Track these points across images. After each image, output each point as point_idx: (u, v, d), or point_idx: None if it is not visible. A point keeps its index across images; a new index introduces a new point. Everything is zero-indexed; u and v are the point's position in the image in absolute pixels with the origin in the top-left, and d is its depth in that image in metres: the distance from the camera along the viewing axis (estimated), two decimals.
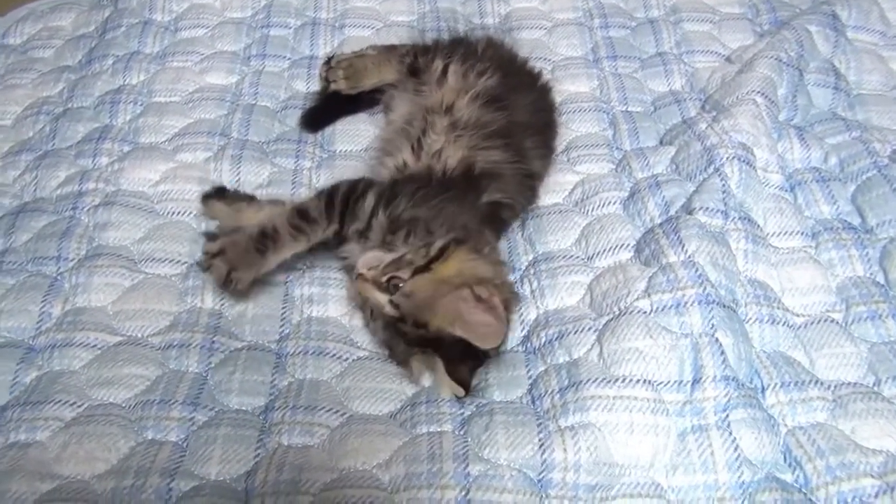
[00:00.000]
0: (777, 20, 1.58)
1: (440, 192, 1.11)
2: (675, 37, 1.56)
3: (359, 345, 1.11)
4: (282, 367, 1.06)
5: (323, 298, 1.15)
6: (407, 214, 1.08)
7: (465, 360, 1.01)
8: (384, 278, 1.02)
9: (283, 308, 1.13)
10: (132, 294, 1.12)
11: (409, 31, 1.56)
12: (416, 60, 1.33)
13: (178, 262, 1.17)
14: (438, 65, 1.29)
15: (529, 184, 1.24)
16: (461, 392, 0.99)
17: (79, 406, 0.99)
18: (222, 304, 1.13)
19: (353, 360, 1.08)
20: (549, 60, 1.52)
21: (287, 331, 1.11)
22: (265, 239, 1.07)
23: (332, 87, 1.38)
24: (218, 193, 1.21)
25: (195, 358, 1.05)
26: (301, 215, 1.09)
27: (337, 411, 1.00)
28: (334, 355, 1.08)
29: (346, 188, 1.12)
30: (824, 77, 1.42)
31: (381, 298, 1.02)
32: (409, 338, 1.01)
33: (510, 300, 1.05)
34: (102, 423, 0.96)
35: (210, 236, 1.16)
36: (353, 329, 1.13)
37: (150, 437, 0.96)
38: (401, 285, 1.01)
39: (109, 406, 0.99)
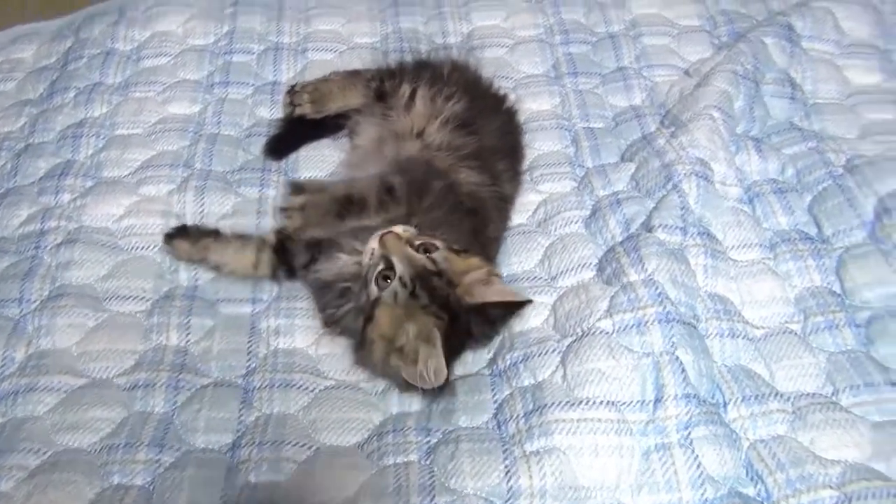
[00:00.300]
0: (734, 32, 1.60)
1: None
2: (634, 51, 1.58)
3: (326, 374, 1.11)
4: (248, 401, 1.06)
5: (289, 329, 1.15)
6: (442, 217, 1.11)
7: (451, 350, 1.01)
8: (418, 241, 1.04)
9: (250, 341, 1.14)
10: (96, 334, 1.12)
11: (372, 52, 1.57)
12: (382, 85, 1.34)
13: (142, 298, 1.17)
14: (406, 90, 1.30)
15: (505, 209, 1.26)
16: (442, 377, 0.97)
17: (44, 453, 0.99)
18: (188, 341, 1.13)
19: (320, 391, 1.08)
20: (512, 79, 1.53)
21: (253, 364, 1.11)
22: (350, 205, 1.10)
23: (298, 111, 1.39)
24: (180, 232, 1.20)
25: (161, 397, 1.05)
26: (389, 191, 1.11)
27: (304, 444, 1.00)
28: (301, 387, 1.08)
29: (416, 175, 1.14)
30: (781, 88, 1.44)
31: (417, 254, 1.02)
32: (438, 295, 1.01)
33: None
34: (67, 471, 0.96)
35: (296, 188, 1.21)
36: (319, 359, 1.13)
37: (115, 483, 0.96)
38: (433, 252, 1.03)
39: (74, 451, 0.99)
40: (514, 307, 1.06)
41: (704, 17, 1.65)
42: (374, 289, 1.03)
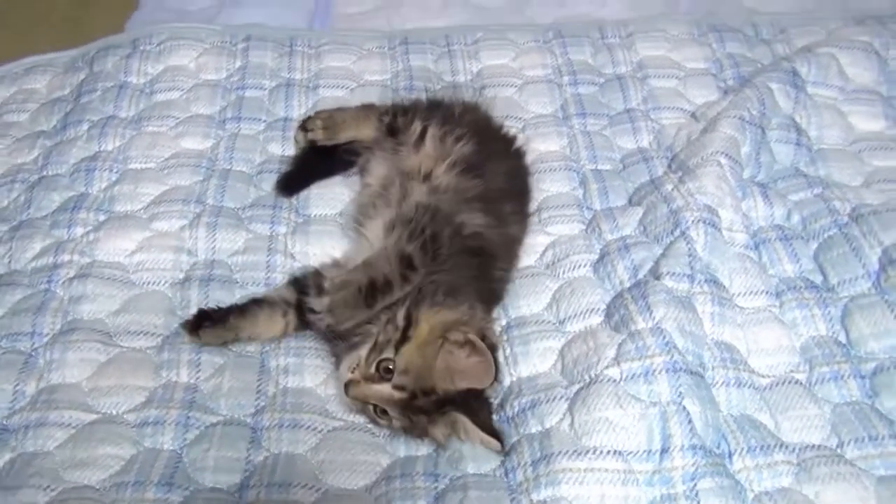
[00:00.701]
0: (740, 75, 1.62)
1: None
2: (642, 93, 1.60)
3: (334, 415, 1.12)
4: (257, 441, 1.07)
5: (299, 369, 1.16)
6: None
7: (483, 410, 1.05)
8: (372, 369, 1.03)
9: (259, 380, 1.14)
10: (107, 369, 1.13)
11: (382, 90, 1.59)
12: (395, 120, 1.36)
13: (153, 334, 1.18)
14: (417, 127, 1.31)
15: (511, 249, 1.27)
16: (497, 445, 1.01)
17: (52, 490, 0.99)
18: (198, 378, 1.14)
19: (328, 432, 1.09)
20: (521, 119, 1.55)
21: (262, 403, 1.12)
22: (376, 291, 1.07)
23: (310, 135, 1.41)
24: (202, 319, 1.15)
25: (170, 435, 1.06)
26: (408, 265, 1.09)
27: (312, 486, 1.01)
28: (309, 427, 1.09)
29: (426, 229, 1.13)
30: (786, 133, 1.46)
31: (383, 390, 1.02)
32: (427, 409, 1.02)
33: (484, 329, 1.06)
34: None
35: (317, 289, 1.14)
36: (328, 399, 1.14)
37: None
38: (391, 367, 1.02)
39: (83, 489, 1.00)
40: (481, 392, 1.05)
41: (710, 59, 1.67)
42: (383, 423, 1.06)
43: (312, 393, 1.14)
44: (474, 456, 1.05)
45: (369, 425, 1.10)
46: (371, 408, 1.05)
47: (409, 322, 1.05)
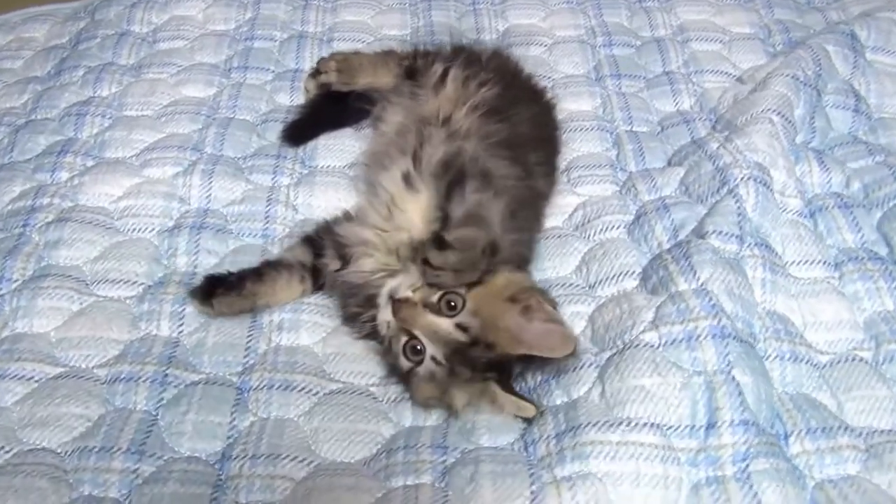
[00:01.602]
0: (790, 41, 1.50)
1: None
2: (682, 56, 1.47)
3: (332, 376, 0.99)
4: (243, 403, 0.94)
5: (295, 325, 1.03)
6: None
7: (508, 378, 0.92)
8: (435, 297, 0.90)
9: (249, 336, 1.01)
10: (79, 319, 1.01)
11: (401, 45, 1.47)
12: (414, 62, 1.24)
13: (134, 283, 1.06)
14: (438, 68, 1.19)
15: (538, 206, 1.14)
16: (532, 410, 0.89)
17: (7, 451, 0.87)
18: (180, 332, 1.01)
19: (325, 395, 0.96)
20: (550, 78, 1.43)
21: (252, 361, 0.99)
22: (492, 252, 0.93)
23: (322, 78, 1.29)
24: (214, 285, 1.01)
25: (144, 394, 0.93)
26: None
27: (303, 459, 0.88)
28: (303, 389, 0.96)
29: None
30: (843, 99, 1.32)
31: (442, 323, 0.89)
32: (476, 364, 0.89)
33: (554, 303, 0.94)
34: (32, 475, 0.84)
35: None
36: (326, 358, 1.01)
37: (86, 493, 0.84)
38: (459, 304, 0.89)
39: (41, 452, 0.87)
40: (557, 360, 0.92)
41: (758, 25, 1.54)
42: (404, 361, 0.92)
43: (309, 352, 1.01)
44: (490, 426, 0.91)
45: (372, 388, 0.97)
46: (404, 342, 0.90)
47: (488, 271, 0.92)
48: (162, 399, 0.93)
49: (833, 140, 1.29)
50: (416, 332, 0.90)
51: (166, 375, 0.95)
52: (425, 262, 0.92)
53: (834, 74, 1.34)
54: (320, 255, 1.06)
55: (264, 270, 1.04)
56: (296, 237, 1.11)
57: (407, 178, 1.05)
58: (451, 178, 0.98)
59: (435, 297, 0.90)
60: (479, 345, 0.88)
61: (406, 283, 0.92)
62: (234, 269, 1.05)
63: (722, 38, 1.51)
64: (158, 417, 0.92)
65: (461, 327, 0.89)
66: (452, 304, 0.90)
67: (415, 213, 1.00)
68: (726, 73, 1.43)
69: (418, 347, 0.90)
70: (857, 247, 1.12)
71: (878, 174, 1.20)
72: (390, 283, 0.94)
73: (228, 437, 0.90)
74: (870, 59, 1.40)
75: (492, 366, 0.89)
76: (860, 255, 1.10)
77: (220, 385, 0.95)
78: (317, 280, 1.07)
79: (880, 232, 1.13)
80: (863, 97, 1.35)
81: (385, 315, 0.92)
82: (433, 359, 0.89)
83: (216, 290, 1.01)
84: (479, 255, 0.92)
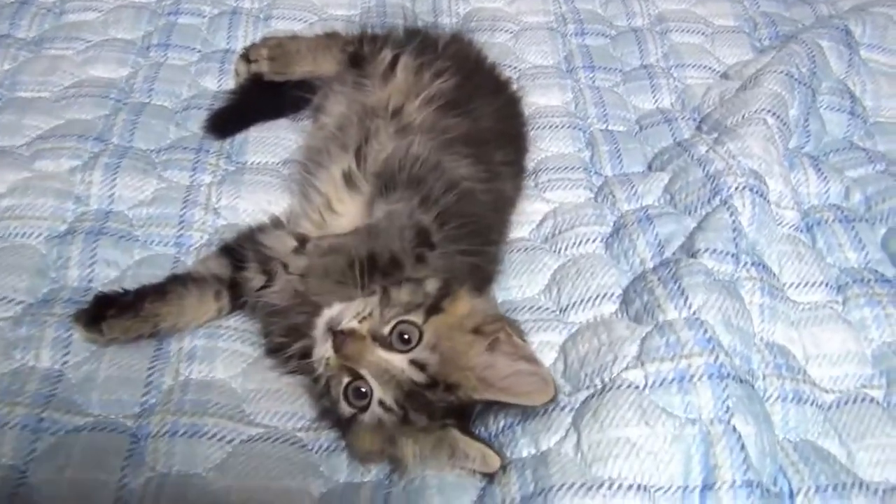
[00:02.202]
0: (777, 35, 1.38)
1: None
2: (661, 49, 1.34)
3: (251, 419, 0.81)
4: (138, 455, 0.76)
5: (209, 354, 0.86)
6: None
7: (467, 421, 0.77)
8: (387, 328, 0.73)
9: (151, 368, 0.84)
10: None
11: (348, 27, 1.29)
12: (360, 48, 1.08)
13: (11, 301, 0.87)
14: (386, 55, 1.04)
15: (504, 213, 0.98)
16: (497, 462, 0.73)
17: None
18: (64, 363, 0.82)
19: (241, 442, 0.79)
20: (516, 68, 1.28)
21: (152, 400, 0.81)
22: (374, 269, 0.78)
23: (253, 67, 1.13)
24: (103, 306, 0.84)
25: (9, 445, 0.74)
26: (424, 240, 0.81)
27: None
28: (215, 436, 0.79)
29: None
30: (838, 100, 1.21)
31: (394, 360, 0.72)
32: (433, 409, 0.73)
33: (521, 332, 0.80)
34: None
35: (299, 238, 0.85)
36: (246, 396, 0.83)
37: None
38: (414, 336, 0.73)
39: None
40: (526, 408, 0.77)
41: (742, 17, 1.42)
42: (344, 406, 0.74)
43: (225, 387, 0.83)
44: (441, 486, 0.74)
45: (300, 433, 0.80)
46: (346, 384, 0.74)
47: (447, 293, 0.76)
48: (34, 450, 0.75)
49: (827, 145, 1.18)
50: (363, 372, 0.73)
51: (41, 420, 0.77)
52: (283, 265, 0.80)
53: (828, 73, 1.22)
54: (241, 269, 0.88)
55: (169, 287, 0.87)
56: (213, 247, 0.93)
57: (348, 178, 0.89)
58: (386, 181, 0.84)
59: (387, 329, 0.73)
60: (437, 386, 0.72)
61: (350, 311, 0.75)
62: (136, 285, 0.87)
63: (704, 30, 1.38)
64: (27, 474, 0.73)
65: (417, 364, 0.72)
66: (406, 336, 0.73)
67: (351, 217, 0.85)
68: (709, 67, 1.31)
69: (363, 390, 0.73)
70: (860, 267, 1.00)
71: (881, 185, 1.08)
72: (329, 311, 0.76)
73: (116, 501, 0.72)
74: (865, 58, 1.29)
75: (452, 411, 0.73)
76: (865, 277, 0.97)
77: (109, 431, 0.77)
78: (236, 297, 0.89)
79: (886, 250, 1.01)
80: (858, 98, 1.23)
81: (323, 350, 0.75)
82: (381, 404, 0.73)
83: (107, 312, 0.83)
84: (344, 266, 0.77)
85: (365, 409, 0.73)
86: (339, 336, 0.73)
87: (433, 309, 0.74)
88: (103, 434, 0.77)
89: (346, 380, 0.73)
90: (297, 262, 0.81)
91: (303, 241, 0.84)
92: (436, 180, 0.86)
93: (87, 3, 1.29)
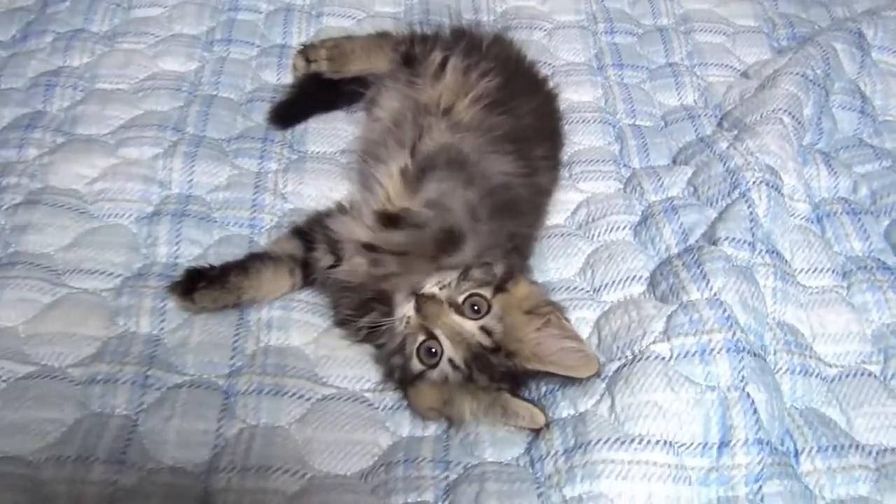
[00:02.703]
0: (795, 35, 1.46)
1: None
2: (686, 47, 1.43)
3: (324, 380, 0.93)
4: (230, 409, 0.88)
5: (284, 324, 0.97)
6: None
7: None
8: (462, 297, 0.86)
9: (236, 335, 0.95)
10: (51, 313, 0.93)
11: (395, 23, 1.39)
12: (412, 48, 1.17)
13: (111, 274, 0.99)
14: (437, 56, 1.13)
15: (542, 204, 1.09)
16: (543, 419, 0.85)
17: None
18: (161, 329, 0.94)
19: (317, 401, 0.90)
20: (550, 65, 1.37)
21: (239, 363, 0.93)
22: (450, 244, 0.88)
23: (313, 66, 1.21)
24: (195, 279, 0.94)
25: (124, 397, 0.86)
26: (474, 216, 0.92)
27: (295, 472, 0.82)
28: (294, 394, 0.90)
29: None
30: (850, 99, 1.29)
31: (466, 324, 0.84)
32: (494, 372, 0.85)
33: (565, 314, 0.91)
34: (1, 488, 0.77)
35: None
36: (318, 361, 0.95)
37: None
38: (484, 308, 0.85)
39: (11, 461, 0.80)
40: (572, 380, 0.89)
41: (762, 17, 1.50)
42: (416, 363, 0.86)
43: (299, 353, 0.95)
44: (494, 439, 0.87)
45: (367, 394, 0.91)
46: (420, 342, 0.86)
47: (510, 276, 0.88)
48: (142, 403, 0.87)
49: (838, 142, 1.26)
50: (437, 332, 0.85)
51: (147, 377, 0.89)
52: (366, 246, 0.90)
53: (841, 73, 1.31)
54: (311, 249, 0.99)
55: (249, 263, 0.98)
56: (285, 229, 1.04)
57: (405, 174, 0.99)
58: (426, 165, 0.95)
59: (461, 298, 0.86)
60: (500, 352, 0.84)
61: (433, 279, 0.87)
62: (217, 262, 0.98)
63: (726, 30, 1.46)
64: (139, 423, 0.85)
65: (485, 330, 0.85)
66: (477, 307, 0.86)
67: (407, 202, 0.95)
68: (731, 66, 1.39)
69: (434, 350, 0.85)
70: (865, 255, 1.10)
71: (886, 180, 1.17)
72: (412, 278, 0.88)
73: (215, 447, 0.85)
74: (875, 59, 1.37)
75: (507, 376, 0.85)
76: (868, 265, 1.07)
77: (205, 388, 0.89)
78: (307, 274, 1.00)
79: (888, 240, 1.11)
80: (868, 98, 1.32)
81: (405, 310, 0.87)
82: (451, 361, 0.85)
83: (197, 284, 0.94)
84: (429, 239, 0.88)
85: (434, 366, 0.84)
86: (421, 298, 0.84)
87: (499, 288, 0.86)
88: (200, 391, 0.89)
89: (420, 338, 0.85)
90: (383, 237, 0.91)
91: (332, 240, 0.95)
92: (474, 165, 0.97)
93: None
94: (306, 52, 1.23)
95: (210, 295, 0.94)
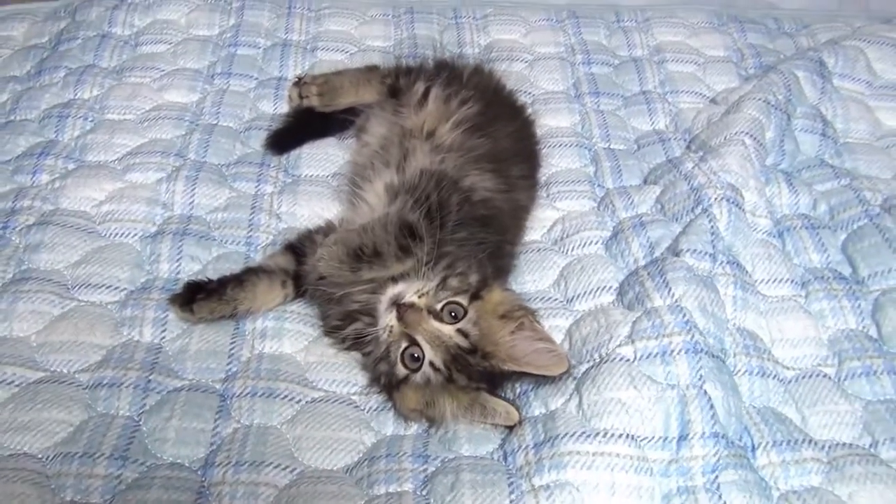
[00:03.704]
0: (762, 65, 1.55)
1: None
2: (658, 76, 1.52)
3: (314, 384, 1.00)
4: (226, 410, 0.95)
5: (277, 333, 1.05)
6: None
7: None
8: (440, 305, 0.93)
9: (232, 343, 1.02)
10: (61, 323, 1.01)
11: (384, 56, 1.49)
12: (397, 80, 1.27)
13: (116, 288, 1.06)
14: (420, 87, 1.22)
15: (521, 219, 1.17)
16: (517, 416, 0.92)
17: None
18: (162, 338, 1.02)
19: (307, 403, 0.97)
20: (530, 94, 1.46)
21: (234, 369, 1.00)
22: (360, 258, 0.97)
23: (305, 102, 1.30)
24: (194, 291, 1.02)
25: (127, 399, 0.93)
26: (409, 233, 0.98)
27: (286, 467, 0.89)
28: (286, 397, 0.97)
29: (432, 195, 1.02)
30: (811, 123, 1.37)
31: (444, 329, 0.91)
32: (472, 372, 0.91)
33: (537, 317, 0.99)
34: (13, 481, 0.84)
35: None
36: (308, 367, 1.02)
37: (68, 499, 0.84)
38: (460, 314, 0.93)
39: (22, 457, 0.87)
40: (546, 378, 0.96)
41: (731, 48, 1.59)
42: (400, 368, 0.93)
43: (291, 360, 1.02)
44: (470, 436, 0.93)
45: (353, 397, 0.98)
46: (403, 349, 0.92)
47: (485, 285, 0.96)
48: (145, 405, 0.94)
49: (801, 163, 1.34)
50: (418, 338, 0.91)
51: (149, 381, 0.96)
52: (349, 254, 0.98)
53: (803, 99, 1.39)
54: (302, 263, 1.07)
55: (245, 276, 1.05)
56: (279, 245, 1.12)
57: (390, 189, 1.07)
58: (417, 196, 1.02)
59: (439, 306, 0.93)
60: (476, 353, 0.91)
61: (412, 289, 0.94)
62: (216, 277, 1.06)
63: (697, 60, 1.56)
64: (141, 423, 0.92)
65: (462, 333, 0.91)
66: (454, 313, 0.93)
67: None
68: (700, 93, 1.48)
69: (416, 355, 0.92)
70: (822, 266, 1.17)
71: (844, 197, 1.24)
72: (393, 289, 0.95)
73: (211, 444, 0.91)
74: (836, 86, 1.46)
75: (485, 376, 0.92)
76: (825, 275, 1.14)
77: (203, 392, 0.96)
78: (299, 286, 1.08)
79: (845, 253, 1.18)
80: (830, 122, 1.40)
81: (387, 320, 0.93)
82: (431, 364, 0.91)
83: (196, 296, 1.02)
84: (342, 255, 0.97)
85: (417, 370, 0.91)
86: (402, 308, 0.92)
87: (475, 296, 0.93)
88: (198, 394, 0.96)
89: (404, 345, 0.92)
90: (319, 251, 1.00)
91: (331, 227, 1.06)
92: (430, 184, 1.04)
93: (159, 36, 1.49)
94: (300, 89, 1.31)
95: (208, 306, 1.02)
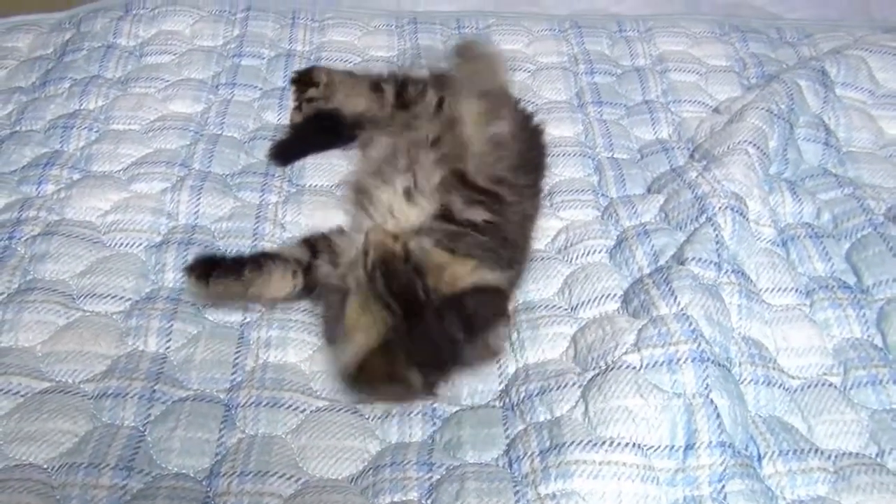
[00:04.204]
0: (764, 74, 1.55)
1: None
2: (661, 86, 1.52)
3: (318, 394, 1.00)
4: (231, 420, 0.95)
5: (282, 342, 1.04)
6: None
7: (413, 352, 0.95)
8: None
9: (237, 352, 1.02)
10: (66, 334, 1.01)
11: (388, 67, 1.49)
12: (405, 92, 1.27)
13: (121, 298, 1.06)
14: (432, 99, 1.23)
15: (528, 230, 1.17)
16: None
17: None
18: (167, 348, 1.02)
19: (312, 412, 0.97)
20: (534, 104, 1.46)
21: (239, 378, 1.00)
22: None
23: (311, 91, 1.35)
24: (209, 266, 1.02)
25: (132, 409, 0.93)
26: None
27: (291, 476, 0.89)
28: (290, 406, 0.97)
29: None
30: (814, 132, 1.38)
31: (388, 242, 0.97)
32: (397, 281, 0.94)
33: None
34: (18, 491, 0.83)
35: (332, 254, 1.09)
36: (313, 376, 1.02)
37: None
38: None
39: (28, 468, 0.87)
40: (491, 294, 0.96)
41: (733, 58, 1.60)
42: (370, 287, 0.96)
43: (296, 369, 1.02)
44: (475, 442, 0.93)
45: (358, 405, 0.98)
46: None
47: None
48: (150, 415, 0.94)
49: (804, 172, 1.34)
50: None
51: (154, 391, 0.96)
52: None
53: (805, 108, 1.40)
54: (316, 257, 1.08)
55: (262, 261, 1.05)
56: (296, 238, 1.14)
57: (408, 193, 1.09)
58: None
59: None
60: (408, 262, 0.95)
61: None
62: None
63: (699, 70, 1.56)
64: (146, 433, 0.92)
65: (405, 248, 0.97)
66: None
67: (415, 219, 1.06)
68: (703, 103, 1.48)
69: None
70: (827, 275, 1.17)
71: (847, 206, 1.24)
72: None
73: (216, 454, 0.91)
74: (839, 95, 1.46)
75: (404, 299, 0.93)
76: (830, 284, 1.14)
77: (207, 402, 0.96)
78: (308, 279, 1.07)
79: (849, 262, 1.18)
80: (832, 131, 1.41)
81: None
82: (364, 266, 0.97)
83: (212, 272, 1.02)
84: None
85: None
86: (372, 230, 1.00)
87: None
88: (203, 403, 0.96)
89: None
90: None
91: (333, 251, 1.08)
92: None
93: (163, 47, 1.50)
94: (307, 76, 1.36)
95: (224, 282, 1.02)
